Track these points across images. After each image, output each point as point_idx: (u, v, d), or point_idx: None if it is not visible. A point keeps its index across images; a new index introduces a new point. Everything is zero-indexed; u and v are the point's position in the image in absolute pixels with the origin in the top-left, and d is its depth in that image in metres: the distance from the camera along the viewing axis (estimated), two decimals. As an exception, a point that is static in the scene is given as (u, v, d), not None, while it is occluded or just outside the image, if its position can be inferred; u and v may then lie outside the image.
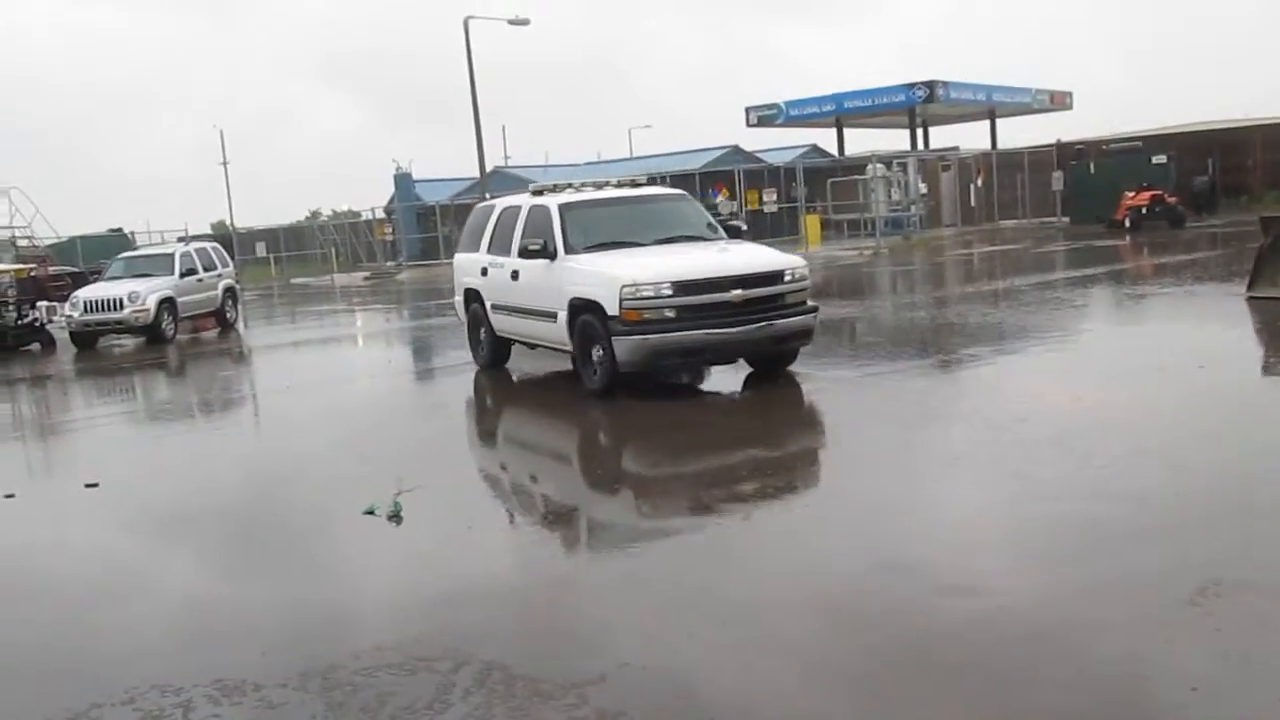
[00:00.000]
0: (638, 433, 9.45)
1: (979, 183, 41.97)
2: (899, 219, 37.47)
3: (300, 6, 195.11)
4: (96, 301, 20.41)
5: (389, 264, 44.49)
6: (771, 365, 11.15)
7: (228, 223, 61.79)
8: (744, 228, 12.50)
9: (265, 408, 13.25)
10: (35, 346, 21.45)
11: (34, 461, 10.89)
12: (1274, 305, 12.95)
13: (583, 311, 10.51)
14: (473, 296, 13.14)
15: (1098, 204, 33.07)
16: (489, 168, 41.11)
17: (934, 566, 5.44)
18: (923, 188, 39.07)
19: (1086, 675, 4.12)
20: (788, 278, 10.50)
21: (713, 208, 37.19)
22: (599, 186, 12.47)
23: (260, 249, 50.66)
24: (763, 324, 10.19)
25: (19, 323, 21.51)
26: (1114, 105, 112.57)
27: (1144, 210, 31.25)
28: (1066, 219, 36.95)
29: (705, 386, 11.40)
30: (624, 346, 10.02)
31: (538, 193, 12.26)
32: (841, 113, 44.47)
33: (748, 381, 11.06)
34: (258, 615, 5.42)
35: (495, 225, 12.75)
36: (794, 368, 11.33)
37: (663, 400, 10.68)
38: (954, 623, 4.67)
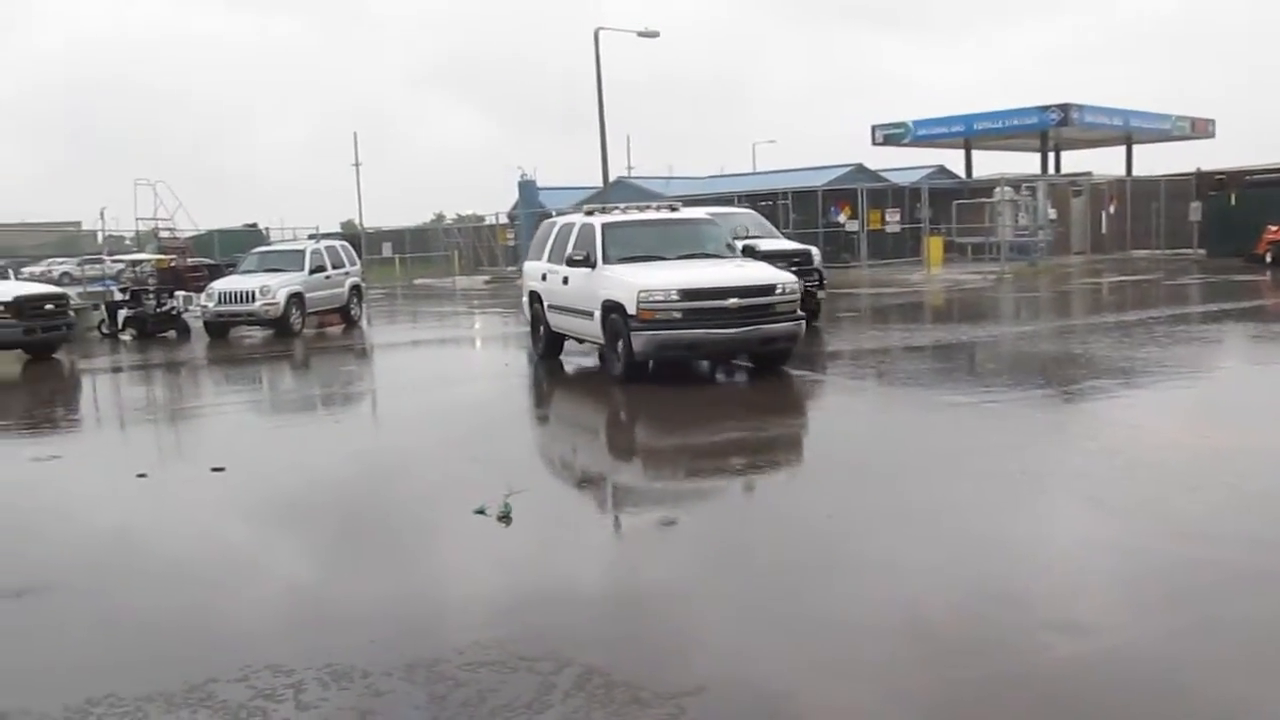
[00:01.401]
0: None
1: (1111, 210, 40.72)
2: (1025, 244, 36.55)
3: (436, 17, 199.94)
4: (230, 293, 21.22)
5: (510, 268, 45.15)
6: (766, 363, 13.05)
7: (356, 222, 63.59)
8: (761, 248, 14.70)
9: (384, 404, 13.58)
10: (171, 334, 22.39)
11: (165, 444, 11.36)
12: None
13: (612, 311, 12.53)
14: (535, 298, 15.35)
15: (1237, 237, 31.74)
16: (612, 177, 41.50)
17: (1041, 601, 5.31)
18: (1052, 213, 38.04)
19: (1202, 724, 3.98)
20: (778, 291, 12.43)
21: (835, 225, 36.94)
22: (642, 210, 14.77)
23: (386, 249, 51.90)
24: (753, 328, 12.12)
25: (158, 310, 22.51)
26: (1260, 134, 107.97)
27: (1287, 245, 29.96)
28: (1203, 251, 35.59)
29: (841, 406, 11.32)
30: (639, 340, 12.08)
31: (589, 213, 14.52)
32: (970, 134, 43.69)
33: (861, 406, 10.95)
34: (368, 605, 5.56)
35: (554, 238, 14.87)
36: (912, 389, 11.45)
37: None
38: (1059, 659, 4.55)
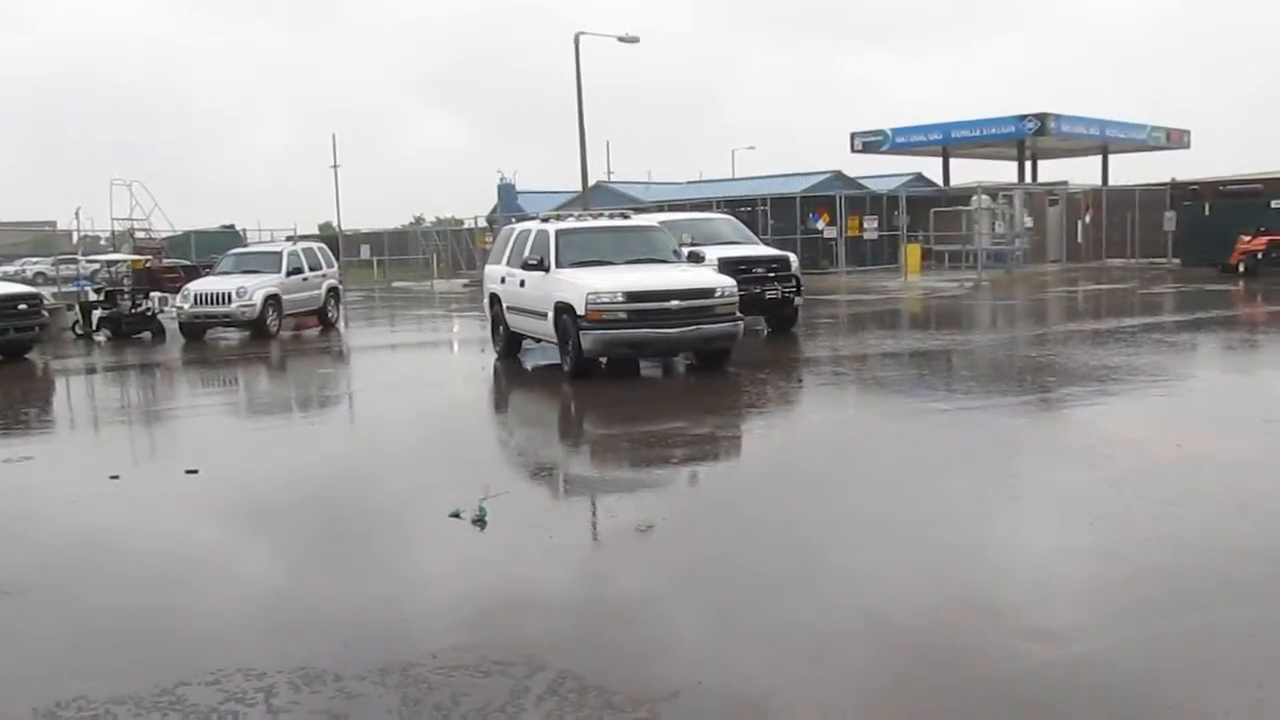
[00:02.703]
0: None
1: (1087, 219, 41.00)
2: (1002, 252, 36.81)
3: (417, 22, 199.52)
4: (206, 295, 21.11)
5: (488, 272, 45.04)
6: (709, 361, 13.85)
7: (335, 225, 63.34)
8: (703, 256, 14.95)
9: (360, 407, 13.54)
10: (146, 335, 22.24)
11: (139, 446, 11.28)
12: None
13: (563, 312, 13.24)
14: (495, 299, 16.25)
15: (1211, 247, 32.04)
16: (591, 182, 41.49)
17: (1015, 608, 5.34)
18: (1028, 221, 38.29)
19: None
20: (717, 294, 13.20)
21: (814, 232, 37.05)
22: (596, 217, 16.04)
23: (364, 252, 51.74)
24: (694, 328, 12.90)
25: (133, 311, 22.36)
26: (1233, 146, 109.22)
27: (1260, 255, 30.22)
28: (1177, 261, 35.91)
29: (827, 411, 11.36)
30: (588, 339, 12.84)
31: (545, 220, 15.29)
32: (948, 142, 43.95)
33: (838, 412, 10.97)
34: (342, 609, 5.53)
35: (514, 243, 15.67)
36: (889, 396, 11.84)
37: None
38: (1031, 667, 4.58)
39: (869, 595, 5.61)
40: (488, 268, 17.07)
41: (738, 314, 13.46)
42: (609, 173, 61.06)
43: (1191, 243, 34.73)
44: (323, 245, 26.43)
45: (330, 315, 23.98)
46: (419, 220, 72.75)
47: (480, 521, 6.90)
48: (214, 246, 35.29)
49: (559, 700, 4.29)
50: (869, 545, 6.53)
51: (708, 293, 13.15)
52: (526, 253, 14.60)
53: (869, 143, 45.54)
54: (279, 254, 23.13)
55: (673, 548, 6.72)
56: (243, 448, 10.60)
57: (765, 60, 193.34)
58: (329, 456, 9.98)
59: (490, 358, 16.30)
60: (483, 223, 50.00)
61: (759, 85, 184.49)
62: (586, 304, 12.75)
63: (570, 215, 15.69)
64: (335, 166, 64.73)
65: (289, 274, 22.32)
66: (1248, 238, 30.62)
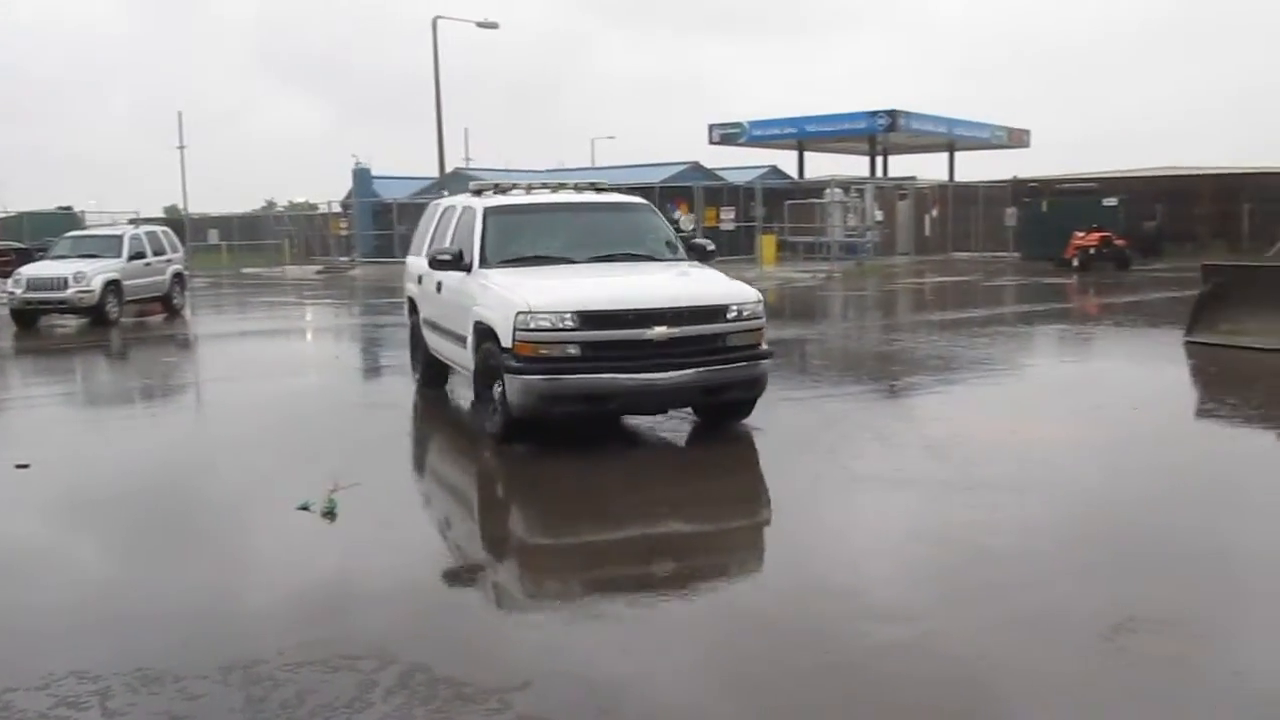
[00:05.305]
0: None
1: (934, 213, 42.47)
2: (854, 244, 37.82)
3: (269, 4, 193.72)
4: (40, 280, 20.10)
5: (342, 259, 44.08)
6: (719, 417, 9.35)
7: (181, 208, 61.00)
8: (710, 246, 10.47)
9: (206, 397, 13.09)
10: (-27, 322, 21.06)
11: (-36, 439, 10.68)
12: (1211, 350, 13.23)
13: (485, 338, 8.66)
14: (412, 306, 11.89)
15: (1049, 242, 33.54)
16: (449, 169, 40.97)
17: (853, 594, 5.50)
18: (879, 215, 39.44)
19: (1002, 711, 4.21)
20: (731, 314, 8.53)
21: (673, 223, 37.36)
22: (554, 189, 10.77)
23: (213, 236, 50.03)
24: (691, 370, 8.26)
25: (-41, 297, 21.15)
26: (1069, 147, 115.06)
27: (1092, 251, 31.75)
28: (1018, 254, 37.51)
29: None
30: (514, 388, 8.11)
31: (477, 192, 10.47)
32: (803, 136, 44.91)
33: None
34: (182, 605, 5.36)
35: (436, 227, 11.14)
36: None
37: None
38: (869, 649, 4.73)
39: (718, 580, 5.71)
40: (409, 259, 12.24)
41: (763, 345, 8.87)
42: (467, 159, 60.46)
43: (1031, 238, 36.29)
44: (167, 229, 25.45)
45: (175, 302, 23.18)
46: (271, 204, 70.69)
47: (330, 514, 6.76)
48: (49, 229, 33.63)
49: (408, 693, 4.25)
50: (720, 532, 6.64)
51: (716, 312, 8.53)
52: (447, 241, 10.28)
53: (727, 135, 46.20)
54: (120, 238, 22.17)
55: (515, 536, 6.72)
56: (79, 441, 10.15)
57: (626, 50, 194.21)
58: (170, 448, 9.64)
59: (347, 346, 15.93)
60: (337, 208, 48.85)
61: (619, 77, 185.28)
62: (514, 330, 8.10)
63: (517, 186, 10.70)
64: (181, 147, 61.99)
65: (131, 259, 21.42)
66: (1082, 234, 32.13)
